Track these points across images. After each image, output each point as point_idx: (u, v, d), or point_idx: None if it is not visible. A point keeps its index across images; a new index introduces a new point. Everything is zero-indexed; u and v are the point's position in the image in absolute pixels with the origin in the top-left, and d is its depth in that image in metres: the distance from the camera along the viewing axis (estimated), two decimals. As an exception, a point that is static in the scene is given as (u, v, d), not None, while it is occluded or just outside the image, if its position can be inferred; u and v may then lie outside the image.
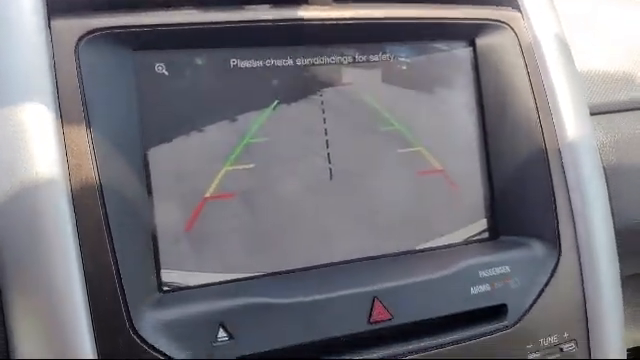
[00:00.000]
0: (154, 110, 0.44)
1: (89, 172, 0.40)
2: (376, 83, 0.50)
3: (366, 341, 0.44)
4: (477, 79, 0.53)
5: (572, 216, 0.51)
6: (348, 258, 0.48)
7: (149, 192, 0.44)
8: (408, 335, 0.45)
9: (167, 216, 0.44)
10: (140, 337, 0.40)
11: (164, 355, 0.40)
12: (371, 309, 0.44)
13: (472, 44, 0.53)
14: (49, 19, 0.41)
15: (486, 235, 0.52)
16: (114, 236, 0.41)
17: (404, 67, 0.51)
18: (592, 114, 0.55)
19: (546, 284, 0.49)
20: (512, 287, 0.48)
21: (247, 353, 0.41)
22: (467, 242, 0.51)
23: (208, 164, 0.46)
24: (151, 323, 0.40)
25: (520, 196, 0.52)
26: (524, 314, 0.47)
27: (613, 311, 0.51)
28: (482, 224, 0.52)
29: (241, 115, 0.47)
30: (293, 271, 0.46)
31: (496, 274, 0.48)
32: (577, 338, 0.49)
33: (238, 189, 0.46)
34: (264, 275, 0.46)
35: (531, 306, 0.48)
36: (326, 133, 0.49)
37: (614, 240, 0.52)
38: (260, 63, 0.47)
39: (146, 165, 0.44)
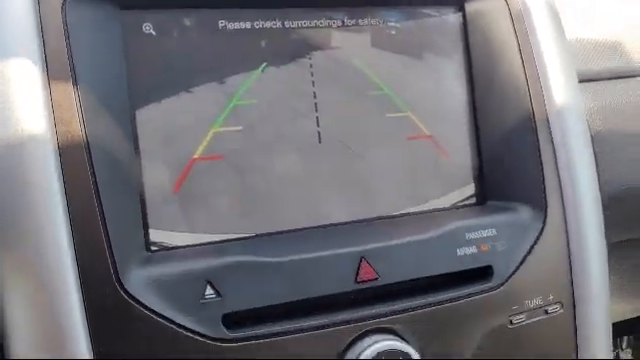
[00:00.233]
0: (142, 70, 0.44)
1: (76, 129, 0.40)
2: (365, 47, 0.50)
3: (353, 301, 0.44)
4: (466, 45, 0.53)
5: (559, 181, 0.51)
6: (336, 221, 0.48)
7: (137, 152, 0.44)
8: (394, 295, 0.45)
9: (155, 176, 0.44)
10: (127, 293, 0.40)
11: (151, 311, 0.40)
12: (358, 269, 0.44)
13: (462, 9, 0.53)
14: (35, -23, 0.41)
15: (474, 200, 0.53)
16: (102, 194, 0.41)
17: (393, 32, 0.51)
18: (581, 81, 0.55)
19: (532, 247, 0.49)
20: (498, 249, 0.48)
21: (234, 310, 0.41)
22: (455, 207, 0.52)
23: (196, 125, 0.46)
24: (138, 280, 0.41)
25: (508, 161, 0.52)
26: (510, 276, 0.48)
27: (598, 275, 0.51)
28: (470, 189, 0.53)
29: (229, 77, 0.47)
30: (281, 233, 0.47)
31: (483, 237, 0.48)
32: (562, 300, 0.50)
33: (226, 151, 0.46)
34: (252, 236, 0.46)
35: (517, 268, 0.48)
36: (315, 96, 0.49)
37: (600, 205, 0.53)
38: (249, 25, 0.47)
39: (134, 125, 0.44)
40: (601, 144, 0.56)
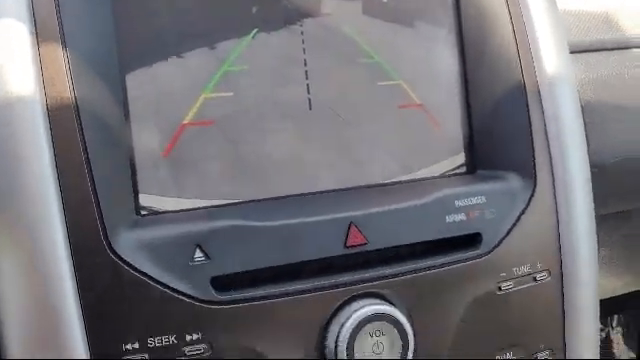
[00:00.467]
0: (131, 33, 0.44)
1: (65, 91, 0.40)
2: (357, 15, 0.50)
3: (342, 265, 0.45)
4: (458, 14, 0.53)
5: (549, 151, 0.51)
6: (326, 188, 0.49)
7: (126, 116, 0.44)
8: (383, 260, 0.46)
9: (145, 141, 0.44)
10: (117, 255, 0.40)
11: (141, 272, 0.40)
12: (347, 234, 0.45)
13: (454, -22, 0.53)
14: None
15: (464, 170, 0.53)
16: (91, 157, 0.41)
17: (385, 0, 0.51)
18: (572, 52, 0.55)
19: (521, 215, 0.49)
20: (487, 217, 0.48)
21: (223, 273, 0.42)
22: (445, 175, 0.52)
23: (186, 90, 0.45)
24: (128, 242, 0.41)
25: (498, 131, 0.52)
26: (498, 243, 0.48)
27: (587, 243, 0.52)
28: (460, 158, 0.53)
29: (220, 43, 0.46)
30: (270, 199, 0.47)
31: (472, 204, 0.48)
32: (550, 268, 0.50)
33: (217, 117, 0.46)
34: (242, 202, 0.46)
35: (505, 236, 0.48)
36: (305, 64, 0.49)
37: (589, 175, 0.53)
38: (240, -10, 0.47)
39: (124, 89, 0.44)
40: (591, 115, 0.56)
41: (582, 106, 0.55)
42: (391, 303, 0.45)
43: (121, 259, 0.40)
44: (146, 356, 0.40)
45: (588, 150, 0.54)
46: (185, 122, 0.45)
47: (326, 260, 0.44)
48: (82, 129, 0.41)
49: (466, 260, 0.47)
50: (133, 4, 0.44)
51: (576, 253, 0.51)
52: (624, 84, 0.58)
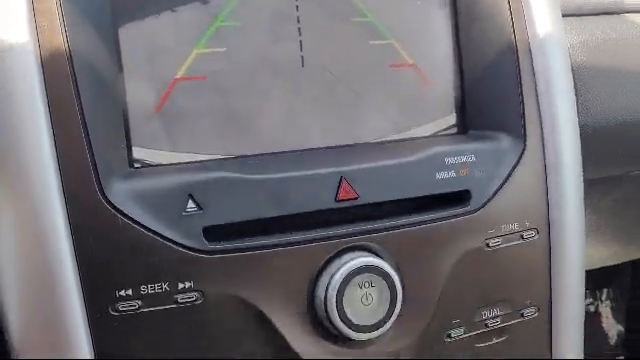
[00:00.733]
0: (124, -15, 0.44)
1: (58, 40, 0.41)
2: (350, -27, 0.50)
3: (333, 219, 0.45)
4: (450, -26, 0.53)
5: (539, 112, 0.52)
6: (318, 145, 0.49)
7: (120, 70, 0.44)
8: (373, 215, 0.46)
9: (138, 95, 0.45)
10: (111, 204, 0.41)
11: (134, 221, 0.41)
12: (338, 188, 0.45)
13: (447, -63, 0.53)
14: None
15: (455, 130, 0.53)
16: (85, 108, 0.41)
17: (378, -42, 0.51)
18: (565, 15, 0.56)
19: (510, 174, 0.50)
20: (477, 175, 0.49)
21: (214, 223, 0.42)
22: (436, 135, 0.53)
23: (179, 45, 0.46)
24: (122, 192, 0.41)
25: (489, 91, 0.52)
26: (487, 201, 0.49)
27: (574, 204, 0.52)
28: (451, 119, 0.53)
29: (213, -2, 0.47)
30: (262, 155, 0.47)
31: (462, 162, 0.49)
32: (538, 227, 0.51)
33: (209, 72, 0.46)
34: (234, 157, 0.47)
35: (494, 194, 0.49)
36: (298, 21, 0.49)
37: (579, 137, 0.53)
38: (233, -55, 0.47)
39: (117, 42, 0.44)
40: (581, 78, 0.57)
41: (573, 69, 0.56)
42: (380, 256, 0.45)
43: (115, 208, 0.41)
44: (139, 303, 0.41)
45: (577, 112, 0.54)
46: (178, 77, 0.46)
47: (317, 213, 0.45)
48: (76, 81, 0.41)
49: (455, 216, 0.48)
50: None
51: (564, 213, 0.52)
52: (615, 48, 0.59)
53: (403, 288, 0.45)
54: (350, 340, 0.45)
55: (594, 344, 1.25)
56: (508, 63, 0.52)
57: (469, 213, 0.48)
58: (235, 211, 0.43)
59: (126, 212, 0.41)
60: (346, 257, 0.45)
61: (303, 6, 0.49)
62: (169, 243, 0.41)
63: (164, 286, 0.41)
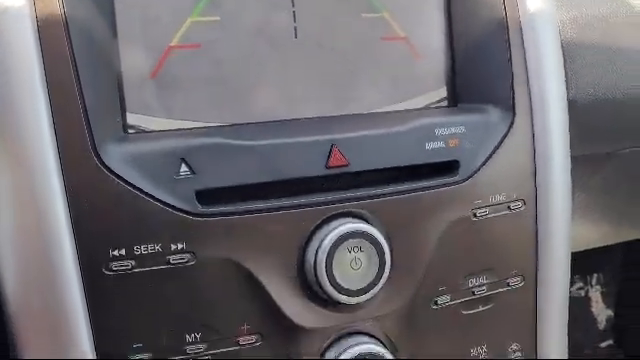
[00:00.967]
0: (120, -48, 0.45)
1: (54, 5, 0.41)
2: (344, -55, 0.51)
3: (323, 185, 0.46)
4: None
5: (528, 85, 0.52)
6: (309, 116, 0.50)
7: (115, 36, 0.45)
8: (363, 182, 0.47)
9: (133, 61, 0.45)
10: (105, 166, 0.41)
11: (128, 183, 0.42)
12: (329, 155, 0.46)
13: None
14: None
15: (445, 103, 0.54)
16: (80, 72, 0.42)
17: None
18: (555, -9, 0.56)
19: (498, 146, 0.51)
20: (466, 146, 0.50)
21: (207, 187, 0.43)
22: (426, 108, 0.53)
23: (173, 13, 0.46)
24: (116, 155, 0.42)
25: (479, 65, 0.53)
26: (475, 172, 0.50)
27: (562, 177, 0.53)
28: (442, 92, 0.54)
29: (208, -33, 0.47)
30: (255, 124, 0.48)
31: (451, 133, 0.50)
32: (525, 199, 0.52)
33: (203, 40, 0.47)
34: (226, 125, 0.48)
35: (482, 165, 0.50)
36: (292, -8, 0.49)
37: (567, 112, 0.54)
38: None
39: (112, 8, 0.44)
40: (571, 54, 0.57)
41: (562, 45, 0.57)
42: (369, 223, 0.46)
43: (109, 170, 0.41)
44: (132, 263, 0.41)
45: (567, 88, 0.55)
46: (172, 44, 0.46)
47: (308, 179, 0.46)
48: (72, 45, 0.42)
49: (443, 186, 0.49)
50: None
51: (551, 185, 0.53)
52: (605, 25, 0.60)
53: (391, 254, 0.46)
54: (339, 304, 0.46)
55: (583, 329, 1.26)
56: (498, 38, 0.53)
57: (457, 183, 0.49)
58: (227, 176, 0.44)
59: (120, 174, 0.42)
60: (336, 223, 0.45)
61: (297, -23, 0.49)
62: (162, 205, 0.42)
63: (157, 247, 0.42)
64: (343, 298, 0.45)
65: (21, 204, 0.42)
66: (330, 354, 0.46)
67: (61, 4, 0.41)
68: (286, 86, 0.49)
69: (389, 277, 0.46)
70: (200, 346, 0.43)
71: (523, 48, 0.53)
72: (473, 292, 0.51)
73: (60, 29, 0.41)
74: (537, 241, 0.53)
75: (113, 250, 0.41)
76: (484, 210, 0.50)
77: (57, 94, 0.41)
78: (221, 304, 0.44)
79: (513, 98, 0.52)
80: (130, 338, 0.42)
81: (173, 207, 0.42)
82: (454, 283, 0.50)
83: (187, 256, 0.43)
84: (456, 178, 0.49)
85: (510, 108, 0.52)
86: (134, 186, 0.42)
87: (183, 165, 0.43)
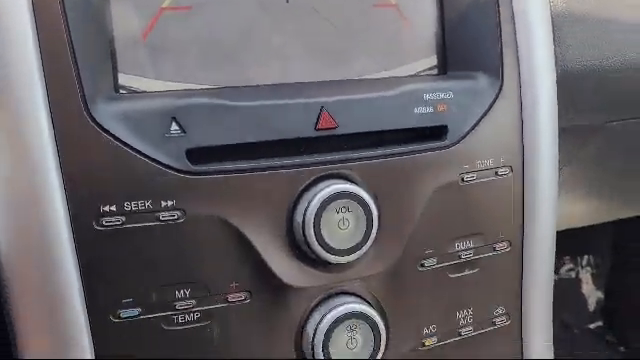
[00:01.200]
0: None
1: None
2: None
3: (312, 147, 0.47)
4: None
5: (516, 52, 0.53)
6: (300, 80, 0.50)
7: (107, -3, 0.45)
8: (352, 145, 0.48)
9: (125, 23, 0.46)
10: (97, 123, 0.42)
11: (119, 140, 0.42)
12: (318, 117, 0.46)
13: None
14: None
15: (435, 71, 0.55)
16: (72, 29, 0.42)
17: None
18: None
19: (486, 112, 0.51)
20: (454, 111, 0.50)
21: (197, 146, 0.44)
22: (416, 75, 0.54)
23: (165, -26, 0.47)
24: (107, 113, 0.43)
25: (469, 32, 0.54)
26: (463, 137, 0.50)
27: (549, 144, 0.54)
28: (432, 60, 0.54)
29: None
30: (245, 86, 0.49)
31: (440, 98, 0.50)
32: (512, 165, 0.53)
33: (195, 3, 0.47)
34: (217, 88, 0.48)
35: (470, 130, 0.51)
36: (284, -44, 0.50)
37: (555, 80, 0.55)
38: None
39: (103, -32, 0.45)
40: (561, 25, 0.58)
41: (553, 16, 0.57)
42: (358, 185, 0.47)
43: (100, 127, 0.42)
44: (123, 219, 0.42)
45: (556, 58, 0.56)
46: (163, 6, 0.47)
47: (297, 141, 0.46)
48: (64, 6, 0.42)
49: (432, 150, 0.49)
50: None
51: (538, 152, 0.53)
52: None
53: (379, 215, 0.47)
54: (327, 264, 0.46)
55: (573, 310, 1.28)
56: (488, 6, 0.53)
57: (445, 147, 0.50)
58: (217, 135, 0.44)
59: (111, 131, 0.42)
60: (324, 184, 0.46)
61: (289, -59, 0.50)
62: (153, 163, 0.43)
63: (147, 204, 0.42)
64: (330, 257, 0.46)
65: (12, 159, 0.42)
66: (317, 313, 0.47)
67: None
68: (277, 50, 0.50)
69: (376, 238, 0.47)
70: (189, 302, 0.44)
71: (512, 16, 0.53)
72: (460, 256, 0.51)
73: None
74: (524, 207, 0.53)
75: (104, 206, 0.42)
76: (471, 175, 0.51)
77: (49, 52, 0.42)
78: (210, 261, 0.45)
79: (502, 65, 0.53)
80: (120, 293, 0.43)
81: (163, 165, 0.43)
82: (441, 246, 0.51)
83: (177, 213, 0.43)
84: (444, 143, 0.50)
85: (498, 75, 0.53)
86: (125, 143, 0.42)
87: (174, 124, 0.43)
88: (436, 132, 0.50)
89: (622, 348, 1.24)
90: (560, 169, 0.58)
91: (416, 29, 0.54)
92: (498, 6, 0.53)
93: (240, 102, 0.45)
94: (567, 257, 1.27)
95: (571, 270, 1.28)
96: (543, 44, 0.54)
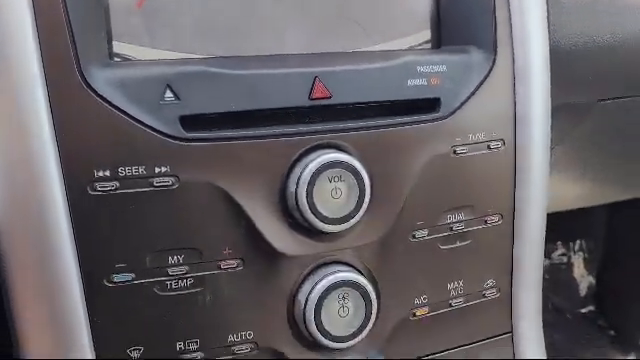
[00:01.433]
0: None
1: None
2: None
3: (306, 116, 0.47)
4: None
5: (510, 27, 0.53)
6: (294, 52, 0.50)
7: (102, -36, 0.45)
8: (345, 115, 0.48)
9: (119, -10, 0.46)
10: (91, 89, 0.42)
11: (113, 106, 0.42)
12: (312, 87, 0.47)
13: None
14: None
15: (429, 45, 0.55)
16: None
17: None
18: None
19: (479, 86, 0.52)
20: (447, 85, 0.51)
21: (191, 113, 0.44)
22: (410, 49, 0.54)
23: (160, -56, 0.47)
24: (101, 79, 0.43)
25: (463, 9, 0.54)
26: (455, 109, 0.51)
27: (541, 118, 0.54)
28: (426, 35, 0.55)
29: None
30: (241, 57, 0.49)
31: (433, 71, 0.50)
32: (504, 139, 0.53)
33: (190, -28, 0.48)
34: (212, 57, 0.48)
35: (463, 103, 0.51)
36: None
37: (548, 55, 0.55)
38: None
39: None
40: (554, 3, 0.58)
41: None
42: (351, 155, 0.47)
43: (95, 92, 0.42)
44: (116, 184, 0.42)
45: (549, 33, 0.56)
46: (159, -26, 0.47)
47: (291, 110, 0.46)
48: None
49: (424, 122, 0.50)
50: None
51: (531, 126, 0.54)
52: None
53: (371, 185, 0.47)
54: (320, 233, 0.47)
55: (565, 295, 1.28)
56: (483, -20, 0.53)
57: (438, 119, 0.50)
58: (211, 103, 0.44)
59: (105, 96, 0.42)
60: (317, 153, 0.46)
61: None
62: (147, 129, 0.43)
63: (141, 169, 0.43)
64: (323, 226, 0.46)
65: (7, 125, 0.42)
66: (309, 281, 0.48)
67: None
68: (272, 21, 0.50)
69: (368, 208, 0.47)
70: (182, 268, 0.44)
71: (507, -9, 0.54)
72: (451, 228, 0.52)
73: None
74: (515, 181, 0.54)
75: (98, 171, 0.42)
76: (464, 148, 0.51)
77: (44, 19, 0.42)
78: (204, 228, 0.45)
79: (495, 39, 0.53)
80: (113, 258, 0.43)
81: (157, 131, 0.43)
82: (433, 218, 0.51)
83: (170, 179, 0.43)
84: (437, 115, 0.50)
85: (492, 49, 0.53)
86: (119, 109, 0.42)
87: (168, 91, 0.44)
88: (429, 104, 0.50)
89: (612, 332, 1.25)
90: (552, 148, 0.59)
91: (411, 3, 0.54)
92: (493, -19, 0.53)
93: (234, 70, 0.46)
94: (559, 242, 1.28)
95: (563, 255, 1.29)
96: (536, 18, 0.55)
